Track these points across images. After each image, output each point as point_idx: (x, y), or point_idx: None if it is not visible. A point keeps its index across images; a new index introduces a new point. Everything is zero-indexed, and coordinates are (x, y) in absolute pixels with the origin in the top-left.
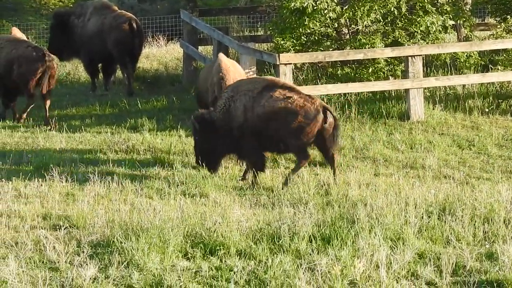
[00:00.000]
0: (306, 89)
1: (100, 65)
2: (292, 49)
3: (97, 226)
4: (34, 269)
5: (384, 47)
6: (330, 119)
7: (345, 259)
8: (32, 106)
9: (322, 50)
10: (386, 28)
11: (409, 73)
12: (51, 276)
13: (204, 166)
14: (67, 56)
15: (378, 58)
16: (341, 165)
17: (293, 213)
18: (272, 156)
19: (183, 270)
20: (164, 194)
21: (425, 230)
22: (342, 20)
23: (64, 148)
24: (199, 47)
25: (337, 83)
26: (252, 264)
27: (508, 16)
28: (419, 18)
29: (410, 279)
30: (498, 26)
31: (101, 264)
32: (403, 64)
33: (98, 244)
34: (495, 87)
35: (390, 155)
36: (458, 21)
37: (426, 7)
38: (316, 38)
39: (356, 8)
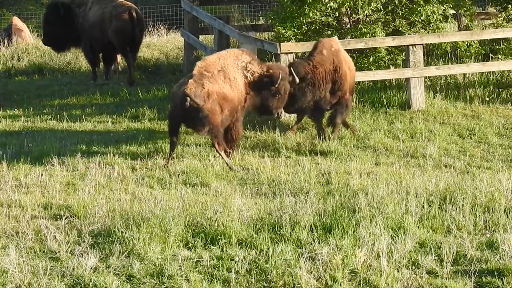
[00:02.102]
0: None
1: (101, 54)
2: (293, 38)
3: (98, 215)
4: (34, 258)
5: (385, 36)
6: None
7: (346, 248)
8: None
9: None
10: (387, 17)
11: (409, 62)
12: (51, 266)
13: None
14: (66, 46)
15: (379, 47)
16: (342, 154)
17: (294, 202)
18: (273, 146)
19: (184, 259)
20: (165, 183)
21: (426, 219)
22: (343, 10)
23: (65, 137)
24: (200, 36)
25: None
26: (253, 254)
27: (509, 5)
28: (420, 7)
29: (411, 268)
30: (499, 15)
31: (102, 254)
32: (403, 53)
33: (99, 233)
34: (496, 76)
35: (391, 144)
36: (459, 10)
37: None
38: (317, 27)
39: None
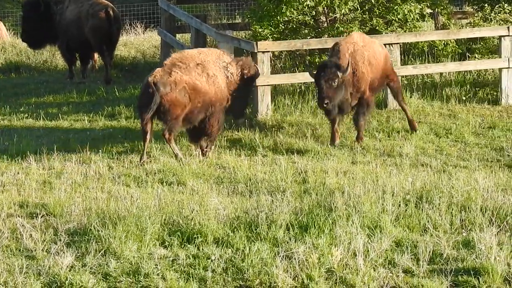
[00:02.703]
0: (284, 77)
1: (77, 53)
2: (270, 37)
3: (74, 214)
4: (10, 257)
5: None
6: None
7: (322, 247)
8: None
9: (300, 38)
10: (364, 16)
11: None
12: (27, 264)
13: None
14: (43, 44)
15: None
16: (318, 153)
17: (270, 201)
18: (250, 145)
19: (160, 258)
20: (141, 182)
21: (402, 218)
22: (320, 8)
23: (41, 135)
24: (177, 35)
25: (315, 71)
26: (229, 252)
27: (486, 5)
28: (397, 6)
29: (387, 267)
30: (476, 15)
31: (78, 252)
32: None
33: (75, 232)
34: (473, 75)
35: (368, 143)
36: (436, 9)
37: None
38: (294, 26)
39: None
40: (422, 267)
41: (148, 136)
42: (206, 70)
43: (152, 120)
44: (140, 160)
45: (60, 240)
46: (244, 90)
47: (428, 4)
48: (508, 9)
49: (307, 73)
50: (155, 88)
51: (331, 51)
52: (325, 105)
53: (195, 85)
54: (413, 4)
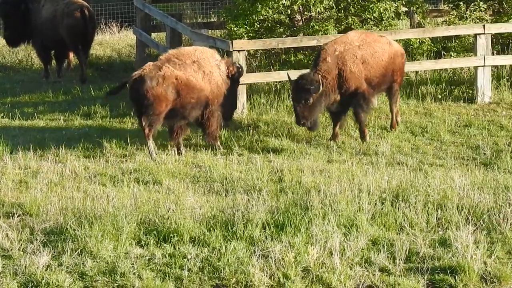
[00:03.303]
0: (259, 76)
1: (53, 52)
2: (245, 35)
3: (51, 213)
4: None
5: (337, 33)
6: None
7: (298, 246)
8: None
9: (275, 37)
10: (339, 14)
11: None
12: (4, 264)
13: None
14: (19, 43)
15: None
16: (294, 152)
17: (246, 200)
18: (226, 144)
19: (137, 257)
20: (117, 181)
21: (379, 216)
22: (295, 7)
23: (17, 135)
24: (152, 34)
25: (290, 69)
26: (205, 251)
27: (461, 3)
28: (372, 5)
29: (364, 265)
30: (451, 13)
31: (54, 252)
32: None
33: (52, 231)
34: (448, 74)
35: (344, 141)
36: (411, 7)
37: None
38: (270, 24)
39: None
40: (399, 265)
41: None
42: (202, 68)
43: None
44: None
45: (36, 239)
46: (232, 90)
47: (404, 3)
48: (483, 7)
49: (283, 72)
50: (142, 81)
51: (316, 54)
52: (301, 125)
53: (188, 80)
54: (388, 2)
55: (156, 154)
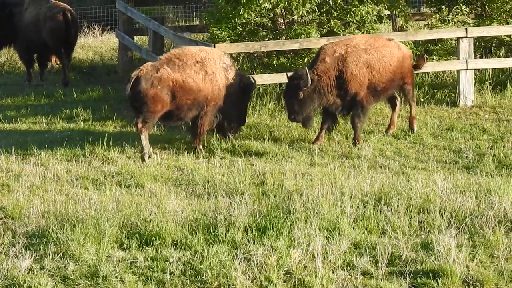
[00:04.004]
0: None
1: (35, 55)
2: (227, 39)
3: (33, 217)
4: None
5: (320, 37)
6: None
7: (281, 249)
8: None
9: (257, 40)
10: (322, 18)
11: None
12: None
13: None
14: (1, 46)
15: (314, 48)
16: (276, 155)
17: (228, 203)
18: (208, 147)
19: (119, 260)
20: (99, 184)
21: (361, 220)
22: (278, 10)
23: None
24: (135, 37)
25: (272, 73)
26: (187, 255)
27: (443, 6)
28: (354, 8)
29: (346, 269)
30: (434, 16)
31: (36, 255)
32: None
33: (34, 235)
34: (431, 77)
35: (326, 145)
36: (394, 11)
37: None
38: (252, 28)
39: None
40: (381, 269)
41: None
42: (204, 68)
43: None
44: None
45: (18, 242)
46: (241, 102)
47: (386, 6)
48: (465, 11)
49: (266, 75)
50: (137, 82)
51: (315, 54)
52: (292, 119)
53: (185, 83)
54: (370, 6)
55: (149, 151)
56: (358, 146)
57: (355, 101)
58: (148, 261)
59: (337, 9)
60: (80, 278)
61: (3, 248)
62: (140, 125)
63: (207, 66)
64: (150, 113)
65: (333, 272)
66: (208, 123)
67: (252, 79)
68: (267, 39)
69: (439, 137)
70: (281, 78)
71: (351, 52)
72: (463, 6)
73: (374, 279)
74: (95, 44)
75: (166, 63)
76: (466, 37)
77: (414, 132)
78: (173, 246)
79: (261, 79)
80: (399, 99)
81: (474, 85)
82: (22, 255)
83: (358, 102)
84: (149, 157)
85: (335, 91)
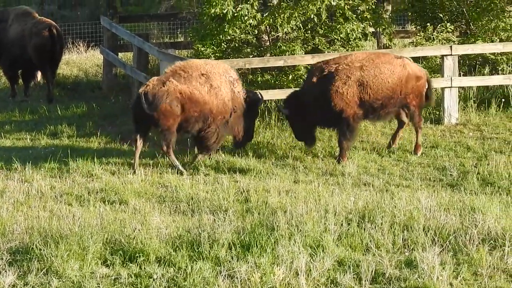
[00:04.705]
0: None
1: (20, 71)
2: (212, 55)
3: (16, 233)
4: None
5: (304, 54)
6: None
7: (264, 266)
8: None
9: (242, 57)
10: (306, 35)
11: None
12: None
13: None
14: None
15: (298, 65)
16: (261, 172)
17: (212, 220)
18: (192, 164)
19: (102, 277)
20: (83, 201)
21: (345, 237)
22: (263, 27)
23: None
24: (119, 53)
25: (257, 90)
26: (171, 271)
27: (428, 24)
28: (339, 25)
29: (330, 286)
30: (418, 34)
31: (20, 271)
32: None
33: (17, 251)
34: None
35: (310, 162)
36: (378, 28)
37: (346, 14)
38: (237, 45)
39: (276, 15)
40: (365, 286)
41: (138, 145)
42: (209, 81)
43: (145, 129)
44: (133, 168)
45: (2, 259)
46: (247, 117)
47: (371, 23)
48: (450, 28)
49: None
50: (144, 99)
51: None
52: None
53: (192, 94)
54: (355, 23)
55: (184, 167)
56: (342, 164)
57: (341, 119)
58: (131, 277)
59: (322, 26)
60: None
61: None
62: (165, 148)
63: (212, 80)
64: (167, 130)
65: None
66: (212, 137)
67: (259, 95)
68: (251, 56)
69: (423, 154)
70: (266, 95)
71: (341, 70)
72: (448, 24)
73: None
74: (80, 60)
75: (172, 75)
76: (451, 54)
77: (417, 155)
78: (157, 263)
79: None
80: (406, 121)
81: (459, 102)
82: (5, 271)
83: (344, 120)
84: (133, 173)
85: (323, 108)
